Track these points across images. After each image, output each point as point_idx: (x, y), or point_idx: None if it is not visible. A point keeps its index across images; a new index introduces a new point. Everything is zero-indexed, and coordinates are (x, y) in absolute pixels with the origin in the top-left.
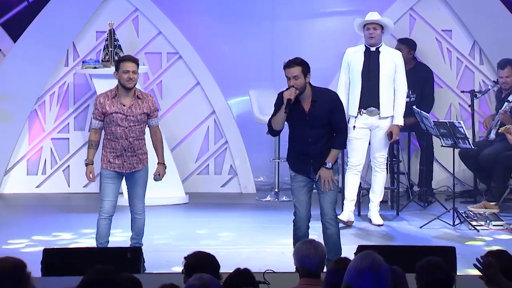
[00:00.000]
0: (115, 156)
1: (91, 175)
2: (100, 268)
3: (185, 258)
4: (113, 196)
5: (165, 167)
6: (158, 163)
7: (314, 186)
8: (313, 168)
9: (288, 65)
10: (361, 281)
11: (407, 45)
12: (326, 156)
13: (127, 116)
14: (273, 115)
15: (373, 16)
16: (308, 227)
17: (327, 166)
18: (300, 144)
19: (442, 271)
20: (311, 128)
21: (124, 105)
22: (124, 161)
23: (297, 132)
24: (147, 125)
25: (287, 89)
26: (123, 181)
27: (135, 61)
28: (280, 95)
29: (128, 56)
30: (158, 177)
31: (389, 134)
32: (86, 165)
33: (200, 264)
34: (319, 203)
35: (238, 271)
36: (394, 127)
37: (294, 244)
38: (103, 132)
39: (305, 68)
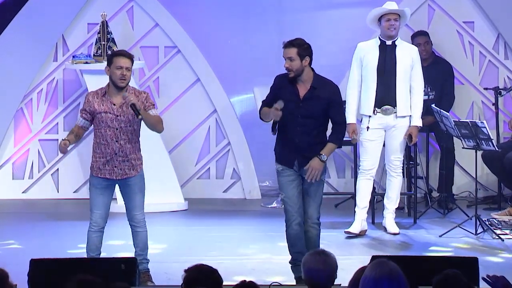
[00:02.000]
0: (105, 162)
1: (63, 143)
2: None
3: (185, 271)
4: (104, 208)
5: (145, 112)
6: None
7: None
8: (298, 161)
9: (285, 45)
10: None
11: (429, 37)
12: (312, 152)
13: (117, 116)
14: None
15: (393, 6)
16: (301, 225)
17: (321, 157)
18: (288, 132)
19: (462, 286)
20: (302, 117)
21: (114, 104)
22: (115, 166)
23: (287, 118)
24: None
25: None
26: (118, 192)
27: (130, 57)
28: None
29: (123, 51)
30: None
31: (409, 137)
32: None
33: (201, 278)
34: (303, 206)
35: (243, 284)
36: (413, 129)
37: (289, 245)
38: (84, 137)
39: (303, 50)
